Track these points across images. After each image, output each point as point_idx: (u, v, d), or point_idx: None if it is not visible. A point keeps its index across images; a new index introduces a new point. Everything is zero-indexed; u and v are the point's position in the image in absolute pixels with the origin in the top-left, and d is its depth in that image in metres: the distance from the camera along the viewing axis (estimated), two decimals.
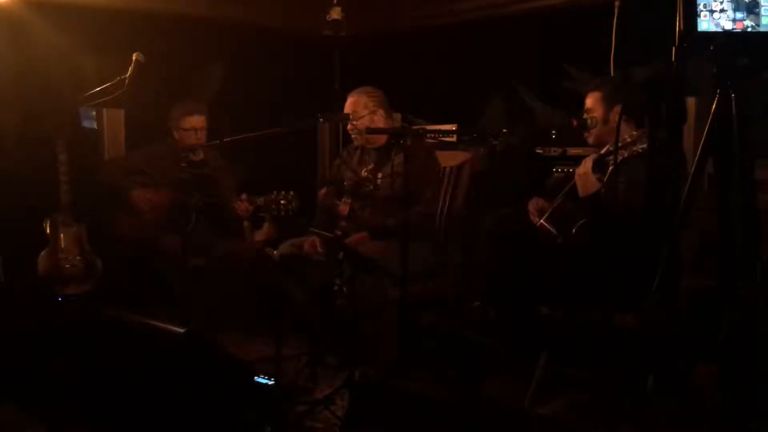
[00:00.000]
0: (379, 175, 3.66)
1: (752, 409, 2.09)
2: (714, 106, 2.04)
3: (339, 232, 3.57)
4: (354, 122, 3.66)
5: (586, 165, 3.15)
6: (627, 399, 2.32)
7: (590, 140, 3.31)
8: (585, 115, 3.28)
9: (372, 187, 3.66)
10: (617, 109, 3.16)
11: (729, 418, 2.22)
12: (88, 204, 3.89)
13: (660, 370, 2.11)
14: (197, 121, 4.00)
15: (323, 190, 3.78)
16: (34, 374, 3.00)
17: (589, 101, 3.27)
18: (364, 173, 3.73)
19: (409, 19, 5.15)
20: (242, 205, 3.71)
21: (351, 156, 3.87)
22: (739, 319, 2.08)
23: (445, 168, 3.84)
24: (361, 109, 3.66)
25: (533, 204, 3.36)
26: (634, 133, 3.04)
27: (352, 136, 3.76)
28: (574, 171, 3.27)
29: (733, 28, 2.00)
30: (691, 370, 2.72)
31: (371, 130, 3.59)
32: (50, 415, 2.86)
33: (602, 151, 3.18)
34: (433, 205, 3.66)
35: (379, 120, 3.68)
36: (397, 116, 4.82)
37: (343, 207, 3.65)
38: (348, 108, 3.69)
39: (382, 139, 3.70)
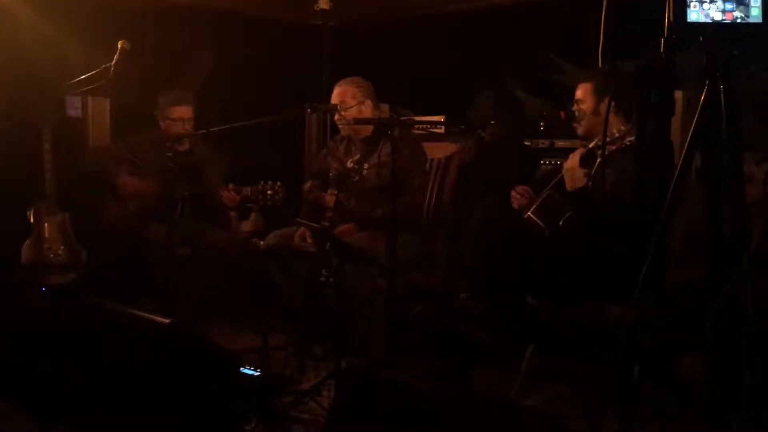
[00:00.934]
0: (365, 165, 3.65)
1: (739, 400, 2.10)
2: (703, 97, 2.03)
3: (326, 224, 3.56)
4: (342, 113, 3.64)
5: (574, 159, 3.16)
6: (613, 390, 2.33)
7: (579, 131, 3.31)
8: (575, 106, 3.28)
9: (357, 178, 3.66)
10: (608, 100, 3.16)
11: (715, 409, 2.23)
12: (73, 193, 3.85)
13: (647, 361, 2.12)
14: (184, 111, 3.98)
15: (308, 184, 3.76)
16: (18, 364, 2.98)
17: (580, 92, 3.27)
18: (350, 164, 3.72)
19: (397, 9, 5.13)
20: (229, 194, 3.69)
21: (337, 146, 3.86)
22: (727, 310, 2.09)
23: (433, 160, 3.84)
24: (349, 99, 3.65)
25: (517, 191, 3.35)
26: (623, 127, 3.05)
27: (339, 126, 3.75)
28: (562, 164, 3.27)
29: (722, 19, 2.00)
30: (678, 362, 2.74)
31: (359, 120, 3.58)
32: (36, 404, 2.84)
33: (590, 145, 3.18)
34: (419, 197, 3.65)
35: (367, 111, 3.68)
36: (385, 107, 4.81)
37: (329, 198, 3.64)
38: (335, 98, 3.68)
39: (369, 129, 3.69)
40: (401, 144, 3.50)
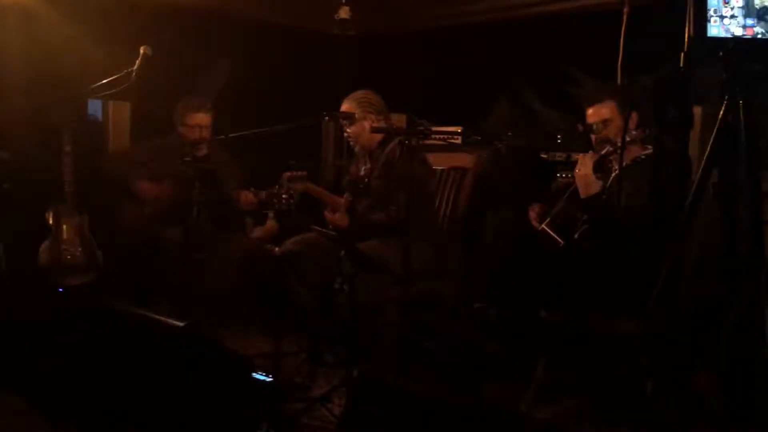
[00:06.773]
0: (373, 175, 3.68)
1: (751, 416, 2.08)
2: (722, 112, 2.03)
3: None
4: (349, 130, 3.68)
5: (587, 165, 3.14)
6: (626, 404, 2.32)
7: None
8: (600, 126, 3.22)
9: (364, 186, 3.69)
10: (634, 115, 3.13)
11: (728, 424, 2.22)
12: (91, 195, 3.88)
13: (660, 375, 2.11)
14: (202, 118, 4.00)
15: (287, 174, 3.75)
16: (34, 363, 3.01)
17: (606, 111, 3.20)
18: (362, 172, 3.76)
19: (416, 20, 5.16)
20: (247, 196, 3.71)
21: (357, 155, 3.90)
22: (741, 325, 2.08)
23: (449, 170, 3.85)
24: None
25: (534, 210, 3.36)
26: (634, 132, 3.05)
27: (350, 141, 3.77)
28: None
29: (743, 35, 2.00)
30: (691, 376, 2.72)
31: (376, 130, 3.59)
32: (50, 404, 2.86)
33: (602, 152, 3.16)
34: (408, 210, 3.59)
35: (376, 123, 3.69)
36: (402, 117, 4.83)
37: (345, 202, 3.67)
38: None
39: (376, 141, 3.70)
40: (401, 157, 3.51)
